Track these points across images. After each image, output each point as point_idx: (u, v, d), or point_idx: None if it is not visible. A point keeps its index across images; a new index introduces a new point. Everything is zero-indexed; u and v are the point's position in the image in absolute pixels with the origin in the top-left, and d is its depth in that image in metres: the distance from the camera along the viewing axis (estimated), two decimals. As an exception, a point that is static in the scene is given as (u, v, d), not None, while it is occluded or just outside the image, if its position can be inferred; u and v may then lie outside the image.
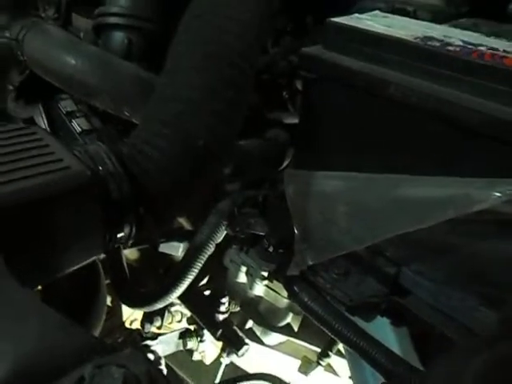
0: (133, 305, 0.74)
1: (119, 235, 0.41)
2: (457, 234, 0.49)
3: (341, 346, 0.80)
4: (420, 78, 0.48)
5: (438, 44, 0.49)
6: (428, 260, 0.54)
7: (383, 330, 0.62)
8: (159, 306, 0.68)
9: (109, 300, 1.05)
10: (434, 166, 0.48)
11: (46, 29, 0.66)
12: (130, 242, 0.44)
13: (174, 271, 0.68)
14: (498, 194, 0.41)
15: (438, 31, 0.53)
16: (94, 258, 0.40)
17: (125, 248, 0.76)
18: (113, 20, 0.68)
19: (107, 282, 0.76)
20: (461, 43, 0.49)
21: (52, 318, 0.27)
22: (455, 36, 0.52)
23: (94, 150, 0.41)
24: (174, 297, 0.66)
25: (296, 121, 0.82)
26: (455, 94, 0.45)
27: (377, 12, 0.61)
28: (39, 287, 0.48)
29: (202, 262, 0.67)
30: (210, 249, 0.68)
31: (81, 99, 0.66)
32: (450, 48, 0.48)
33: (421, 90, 0.47)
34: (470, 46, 0.48)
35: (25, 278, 0.35)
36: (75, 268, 0.38)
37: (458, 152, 0.46)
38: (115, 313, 1.21)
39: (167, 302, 0.68)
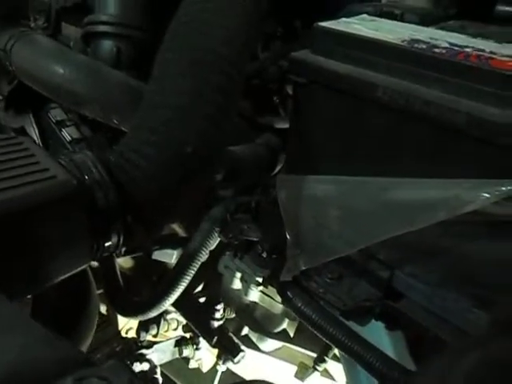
0: (127, 314, 0.73)
1: (107, 244, 0.41)
2: (448, 235, 0.49)
3: (337, 351, 0.79)
4: (407, 81, 0.48)
5: (424, 46, 0.49)
6: (421, 262, 0.53)
7: (378, 334, 0.61)
8: (153, 314, 0.67)
9: (104, 309, 1.05)
10: (422, 168, 0.48)
11: (34, 38, 0.66)
12: (121, 250, 0.43)
13: (166, 279, 0.67)
14: (486, 195, 0.41)
15: (424, 34, 0.53)
16: (81, 267, 0.39)
17: (118, 256, 0.76)
18: (101, 28, 0.68)
19: (101, 291, 0.76)
20: (447, 45, 0.49)
21: (36, 331, 0.26)
22: (441, 38, 0.52)
23: (80, 158, 0.41)
24: (167, 305, 0.66)
25: (287, 125, 0.82)
26: (442, 96, 0.45)
27: (364, 16, 0.61)
28: (28, 297, 0.47)
29: (195, 269, 0.66)
30: (203, 256, 0.68)
31: (70, 108, 0.66)
32: (436, 50, 0.48)
33: (408, 93, 0.47)
34: (456, 48, 0.48)
35: (12, 289, 0.35)
36: (63, 277, 0.38)
37: (446, 153, 0.46)
38: (111, 322, 1.20)
39: (160, 311, 0.67)
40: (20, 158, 0.38)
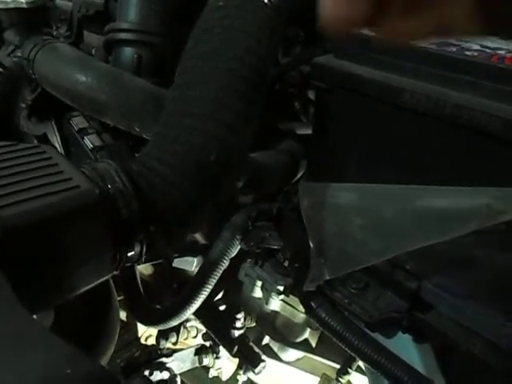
0: (147, 323, 0.73)
1: (130, 254, 0.40)
2: (480, 245, 0.47)
3: (361, 362, 0.77)
4: (436, 85, 0.47)
5: (454, 49, 0.47)
6: (450, 273, 0.51)
7: (405, 346, 0.59)
8: (174, 323, 0.67)
9: (124, 315, 1.05)
10: (453, 175, 0.47)
11: (57, 47, 0.66)
12: (142, 259, 0.43)
13: (188, 287, 0.66)
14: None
15: (453, 36, 0.51)
16: (104, 277, 0.39)
17: (138, 264, 0.75)
18: (123, 36, 0.68)
19: (121, 297, 0.75)
20: (478, 47, 0.48)
21: (59, 348, 0.26)
22: (471, 40, 0.50)
23: (103, 167, 0.40)
24: (188, 314, 0.65)
25: (308, 131, 0.80)
26: (475, 100, 0.44)
27: (389, 19, 0.60)
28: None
29: (217, 277, 0.66)
30: (225, 264, 0.67)
31: (92, 116, 0.66)
32: (468, 53, 0.46)
33: (438, 97, 0.45)
34: (488, 50, 0.47)
35: (36, 301, 0.34)
36: (86, 288, 0.37)
37: (480, 160, 0.44)
38: (130, 328, 1.20)
39: (182, 320, 0.66)
40: (43, 168, 0.38)
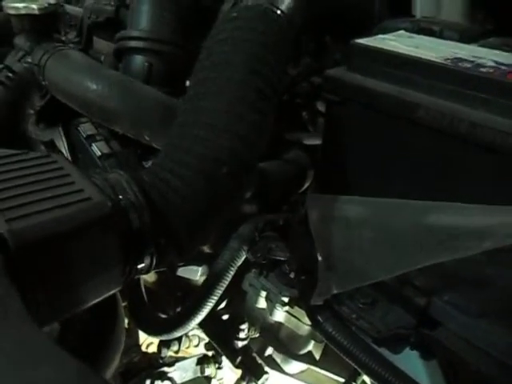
0: (150, 332, 0.72)
1: (139, 266, 0.40)
2: (493, 263, 0.46)
3: (366, 377, 0.76)
4: (451, 101, 0.46)
5: (469, 65, 0.47)
6: (460, 291, 0.51)
7: (412, 363, 0.59)
8: (178, 334, 0.66)
9: (125, 321, 1.04)
10: (467, 192, 0.46)
11: (68, 54, 0.66)
12: (151, 271, 0.42)
13: (193, 297, 0.66)
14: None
15: (467, 52, 0.51)
16: (114, 290, 0.38)
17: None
18: (133, 44, 0.68)
19: (124, 304, 0.75)
20: (493, 64, 0.47)
21: (68, 364, 0.25)
22: (486, 56, 0.50)
23: (115, 178, 0.40)
24: (193, 324, 0.65)
25: (316, 141, 0.80)
26: (490, 118, 0.43)
27: (402, 32, 0.60)
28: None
29: (223, 288, 0.65)
30: (231, 274, 0.66)
31: (101, 123, 0.66)
32: (483, 69, 0.46)
33: (453, 114, 0.45)
34: (503, 67, 0.46)
35: (45, 314, 0.34)
36: (95, 301, 0.37)
37: (495, 178, 0.44)
38: (131, 334, 1.19)
39: (187, 330, 0.66)
40: (55, 178, 0.37)
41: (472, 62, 0.48)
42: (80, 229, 0.33)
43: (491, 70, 0.45)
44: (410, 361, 0.58)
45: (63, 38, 0.89)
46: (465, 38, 0.59)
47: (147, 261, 0.40)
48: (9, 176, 0.36)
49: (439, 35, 0.60)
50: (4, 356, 0.25)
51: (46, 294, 0.32)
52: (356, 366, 0.57)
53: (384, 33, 0.59)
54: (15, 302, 0.28)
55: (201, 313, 0.64)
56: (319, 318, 0.59)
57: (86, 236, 0.34)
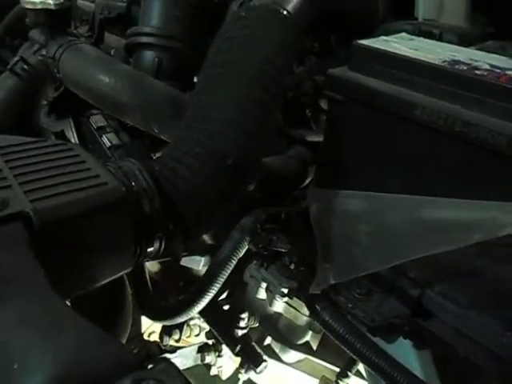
0: (155, 317, 0.74)
1: (149, 250, 0.42)
2: (483, 256, 0.49)
3: (360, 367, 0.79)
4: (447, 101, 0.48)
5: (465, 68, 0.49)
6: (453, 282, 0.53)
7: (405, 352, 0.61)
8: (180, 319, 0.68)
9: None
10: (459, 188, 0.48)
11: (82, 48, 0.68)
12: (159, 256, 0.45)
13: (196, 285, 0.68)
14: (526, 219, 0.41)
15: (464, 54, 0.53)
16: (125, 271, 0.41)
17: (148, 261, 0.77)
18: (144, 39, 0.70)
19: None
20: (488, 67, 0.49)
21: (89, 331, 0.27)
22: (482, 59, 0.52)
23: (128, 166, 0.42)
24: (195, 311, 0.67)
25: (318, 138, 0.82)
26: (482, 118, 0.45)
27: (403, 34, 0.62)
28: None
29: (225, 277, 0.67)
30: (233, 264, 0.68)
31: (111, 115, 0.69)
32: (478, 72, 0.48)
33: (448, 113, 0.47)
34: (497, 70, 0.48)
35: (61, 290, 0.36)
36: (107, 280, 0.39)
37: (486, 175, 0.46)
38: (133, 323, 1.21)
39: (189, 316, 0.68)
40: (72, 164, 0.40)
41: (468, 64, 0.50)
42: (97, 211, 0.36)
43: (486, 73, 0.47)
44: (403, 350, 0.60)
45: (74, 32, 0.91)
46: (463, 41, 0.62)
47: (156, 244, 0.42)
48: (30, 161, 0.39)
49: (439, 38, 0.63)
50: (31, 324, 0.27)
51: (66, 269, 0.34)
52: (351, 354, 0.59)
53: (386, 34, 0.61)
54: (40, 275, 0.30)
55: (203, 300, 0.66)
56: (317, 306, 0.61)
57: (102, 217, 0.36)
